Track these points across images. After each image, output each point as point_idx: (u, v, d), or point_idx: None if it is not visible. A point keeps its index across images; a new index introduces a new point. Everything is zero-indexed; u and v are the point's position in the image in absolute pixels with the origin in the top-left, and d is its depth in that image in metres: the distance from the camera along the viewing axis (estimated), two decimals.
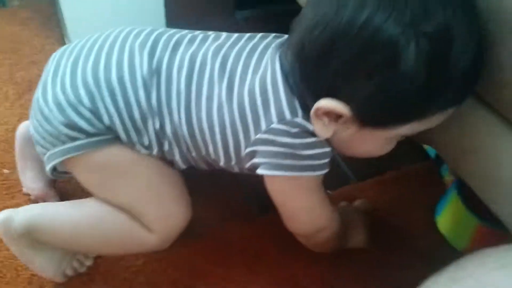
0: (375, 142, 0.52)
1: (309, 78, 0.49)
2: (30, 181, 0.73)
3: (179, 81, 0.55)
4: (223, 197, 0.78)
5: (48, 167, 0.60)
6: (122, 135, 0.56)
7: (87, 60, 0.57)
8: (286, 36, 0.56)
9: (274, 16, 1.18)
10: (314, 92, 0.48)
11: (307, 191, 0.58)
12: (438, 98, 0.45)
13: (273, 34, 0.58)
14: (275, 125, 0.51)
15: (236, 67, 0.54)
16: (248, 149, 0.54)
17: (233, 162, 0.58)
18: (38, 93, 0.59)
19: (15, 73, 0.98)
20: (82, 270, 0.66)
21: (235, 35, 0.59)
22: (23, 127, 0.72)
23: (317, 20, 0.45)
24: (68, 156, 0.57)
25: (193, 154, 0.59)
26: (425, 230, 0.76)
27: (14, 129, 0.82)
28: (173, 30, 0.60)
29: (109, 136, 0.57)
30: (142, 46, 0.56)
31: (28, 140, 0.68)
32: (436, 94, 0.45)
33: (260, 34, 0.58)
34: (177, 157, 0.59)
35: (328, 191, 0.79)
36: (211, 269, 0.69)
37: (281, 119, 0.51)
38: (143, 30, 0.59)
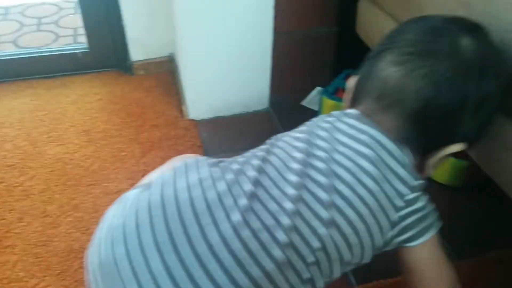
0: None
1: (430, 137, 0.54)
2: None
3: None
4: None
5: None
6: None
7: None
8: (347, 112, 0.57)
9: None
10: (437, 145, 0.55)
11: (439, 245, 0.59)
12: None
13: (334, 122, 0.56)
14: (409, 197, 0.53)
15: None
16: (396, 230, 0.54)
17: (377, 245, 0.55)
18: None
19: (140, 134, 1.11)
20: None
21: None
22: None
23: (431, 96, 0.51)
24: None
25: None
26: None
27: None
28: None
29: None
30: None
31: None
32: None
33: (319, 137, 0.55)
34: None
35: None
36: None
37: (410, 188, 0.53)
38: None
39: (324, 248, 0.50)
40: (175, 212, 0.49)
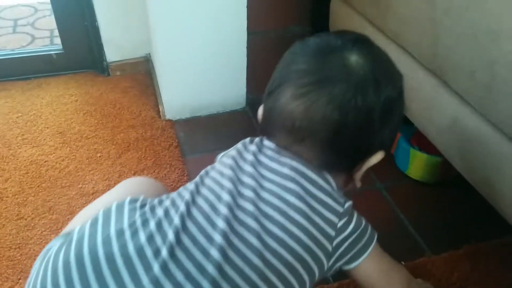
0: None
1: (349, 156, 0.56)
2: None
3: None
4: None
5: None
6: None
7: None
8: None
9: None
10: (354, 161, 0.57)
11: (382, 256, 0.62)
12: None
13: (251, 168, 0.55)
14: (339, 224, 0.54)
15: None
16: (332, 259, 0.55)
17: (317, 277, 0.55)
18: None
19: (116, 135, 1.11)
20: None
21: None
22: None
23: (339, 120, 0.51)
24: None
25: None
26: None
27: (114, 185, 0.93)
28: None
29: None
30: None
31: None
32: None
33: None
34: None
35: (402, 262, 0.80)
36: None
37: (339, 214, 0.54)
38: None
39: None
40: (91, 271, 0.47)
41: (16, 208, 0.91)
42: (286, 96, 0.53)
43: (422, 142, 0.96)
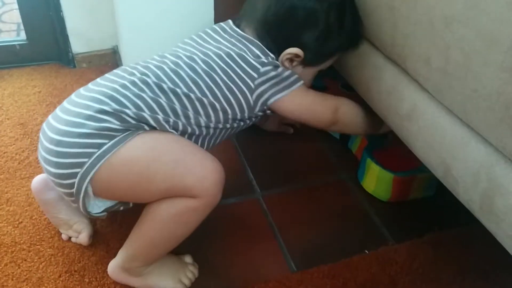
0: (309, 76, 0.83)
1: (276, 38, 0.77)
2: (67, 220, 0.80)
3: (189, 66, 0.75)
4: None
5: (83, 189, 0.63)
6: (151, 121, 0.66)
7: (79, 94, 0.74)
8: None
9: None
10: (280, 45, 0.77)
11: (306, 95, 0.80)
12: (342, 43, 0.81)
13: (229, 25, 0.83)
14: (261, 69, 0.75)
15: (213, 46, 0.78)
16: (254, 95, 0.75)
17: (246, 114, 0.76)
18: (46, 131, 0.69)
19: None
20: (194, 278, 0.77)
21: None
22: (35, 182, 0.78)
23: (265, 12, 0.76)
24: (102, 162, 0.62)
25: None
26: None
27: None
28: None
29: (130, 130, 0.65)
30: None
31: (44, 189, 0.77)
32: (340, 40, 0.80)
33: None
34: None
35: (366, 251, 0.82)
36: None
37: (263, 64, 0.75)
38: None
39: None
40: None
41: None
42: None
43: (391, 160, 0.92)
